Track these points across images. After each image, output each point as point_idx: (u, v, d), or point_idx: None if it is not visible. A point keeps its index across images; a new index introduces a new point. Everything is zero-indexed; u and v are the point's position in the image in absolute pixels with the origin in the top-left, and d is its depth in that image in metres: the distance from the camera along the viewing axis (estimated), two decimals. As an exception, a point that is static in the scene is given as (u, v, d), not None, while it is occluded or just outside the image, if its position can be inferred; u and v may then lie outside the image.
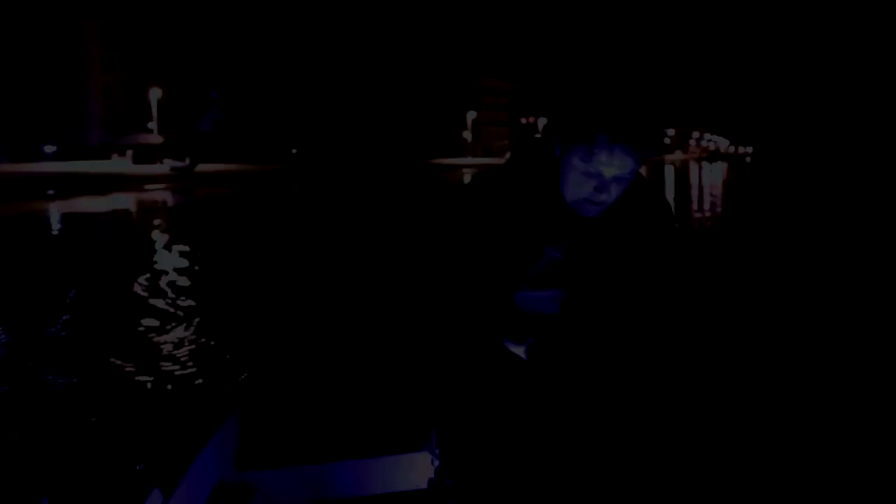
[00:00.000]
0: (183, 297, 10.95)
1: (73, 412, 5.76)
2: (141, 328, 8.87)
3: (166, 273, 13.65)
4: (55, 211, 31.40)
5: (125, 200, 37.96)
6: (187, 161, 58.90)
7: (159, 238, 20.74)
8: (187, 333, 8.38)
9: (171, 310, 10.02)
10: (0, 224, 27.01)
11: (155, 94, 60.90)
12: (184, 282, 12.63)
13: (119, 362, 7.16)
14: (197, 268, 14.49)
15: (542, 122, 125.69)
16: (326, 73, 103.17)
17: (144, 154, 62.98)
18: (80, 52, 75.51)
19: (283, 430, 2.25)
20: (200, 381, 6.14)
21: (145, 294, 11.35)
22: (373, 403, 2.09)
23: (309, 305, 10.12)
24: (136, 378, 6.55)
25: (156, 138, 63.46)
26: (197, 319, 9.22)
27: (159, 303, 10.59)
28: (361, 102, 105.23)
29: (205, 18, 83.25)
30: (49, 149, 67.06)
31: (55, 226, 26.36)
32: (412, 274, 1.72)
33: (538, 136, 1.69)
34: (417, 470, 1.95)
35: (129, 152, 62.21)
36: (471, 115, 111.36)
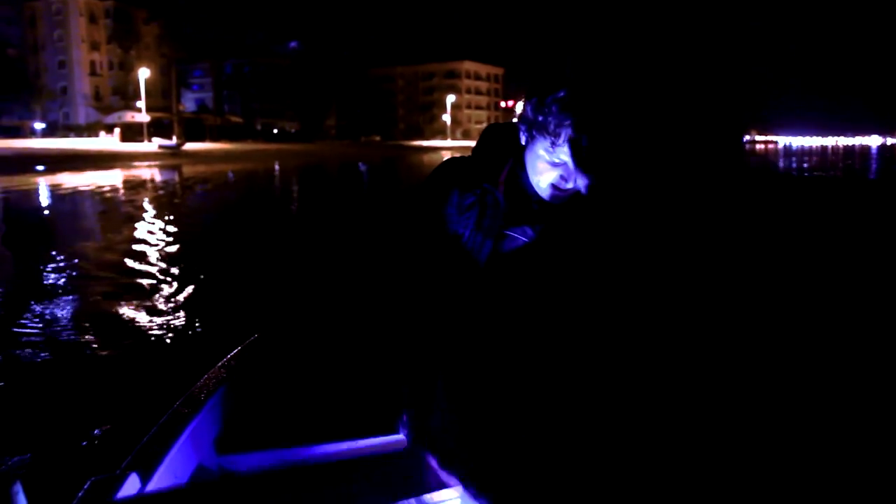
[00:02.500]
0: (166, 273, 11.06)
1: (47, 390, 5.75)
2: (123, 303, 8.91)
3: (152, 245, 13.82)
4: (44, 185, 33.09)
5: (114, 176, 39.65)
6: (175, 139, 60.87)
7: (147, 212, 21.30)
8: (170, 311, 8.46)
9: (154, 285, 10.10)
10: None
11: (143, 73, 62.59)
12: (169, 256, 12.79)
13: (98, 338, 7.12)
14: (183, 242, 14.71)
15: (520, 105, 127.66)
16: (309, 52, 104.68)
17: (132, 132, 64.84)
18: (65, 28, 76.92)
19: (265, 413, 2.29)
20: (181, 361, 6.24)
21: (129, 267, 11.46)
22: (351, 386, 2.20)
23: (290, 285, 10.14)
24: (115, 357, 6.52)
25: (143, 116, 65.20)
26: (179, 297, 9.30)
27: (142, 278, 10.67)
28: (344, 82, 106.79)
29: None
30: (38, 126, 68.58)
31: (45, 199, 27.96)
32: (381, 256, 1.75)
33: (513, 121, 1.67)
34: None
35: (117, 130, 63.96)
36: (450, 99, 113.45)
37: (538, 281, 1.59)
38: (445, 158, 1.78)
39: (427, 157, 69.31)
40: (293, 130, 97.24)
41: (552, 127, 1.50)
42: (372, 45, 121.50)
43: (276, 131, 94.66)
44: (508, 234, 1.63)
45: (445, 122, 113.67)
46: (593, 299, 1.59)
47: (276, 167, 50.08)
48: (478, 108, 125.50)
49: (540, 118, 1.53)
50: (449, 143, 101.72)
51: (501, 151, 1.69)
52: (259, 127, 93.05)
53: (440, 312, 1.66)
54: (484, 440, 1.55)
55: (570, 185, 1.55)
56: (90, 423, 4.89)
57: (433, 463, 1.69)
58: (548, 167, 1.55)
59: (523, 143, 1.62)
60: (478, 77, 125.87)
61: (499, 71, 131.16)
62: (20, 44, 76.23)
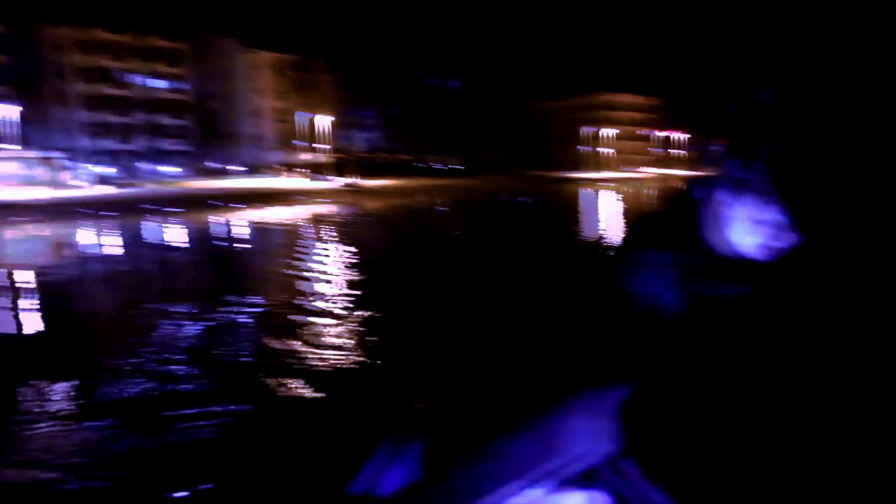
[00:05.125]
0: (354, 305, 11.62)
1: (234, 426, 6.05)
2: (310, 335, 9.52)
3: (337, 277, 14.94)
4: (241, 219, 38.01)
5: (304, 210, 44.46)
6: (352, 177, 66.66)
7: (334, 243, 23.87)
8: (354, 344, 8.88)
9: (341, 316, 10.69)
10: (194, 229, 33.90)
11: (323, 118, 69.02)
12: (356, 288, 13.48)
13: (281, 376, 7.51)
14: (368, 273, 15.67)
15: (676, 136, 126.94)
16: (469, 90, 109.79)
17: (313, 171, 71.58)
18: (256, 81, 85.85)
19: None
20: (364, 395, 6.60)
21: (320, 299, 12.33)
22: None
23: (479, 317, 10.35)
24: (300, 393, 6.89)
25: (323, 157, 71.66)
26: (366, 330, 9.73)
27: (329, 308, 11.38)
28: (503, 118, 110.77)
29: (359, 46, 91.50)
30: (233, 168, 77.06)
31: (242, 231, 32.30)
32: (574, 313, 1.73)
33: (712, 175, 1.55)
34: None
35: (302, 170, 70.76)
36: (607, 131, 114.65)
37: (751, 341, 1.48)
38: (642, 215, 1.71)
39: (585, 189, 71.10)
40: (456, 166, 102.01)
41: (760, 185, 1.39)
42: (530, 80, 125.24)
43: (440, 167, 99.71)
44: (712, 294, 1.53)
45: (603, 154, 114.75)
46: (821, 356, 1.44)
47: (443, 201, 53.74)
48: (635, 138, 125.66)
49: (745, 176, 1.41)
50: (607, 174, 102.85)
51: (701, 206, 1.58)
52: (425, 163, 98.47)
53: (637, 375, 1.60)
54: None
55: (779, 244, 1.44)
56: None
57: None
58: (755, 226, 1.44)
59: (726, 199, 1.48)
60: (635, 108, 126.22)
61: (656, 101, 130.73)
62: (219, 96, 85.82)
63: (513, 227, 30.29)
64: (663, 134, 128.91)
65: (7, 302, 15.06)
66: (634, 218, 1.68)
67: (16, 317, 13.47)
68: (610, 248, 2.00)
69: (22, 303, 15.07)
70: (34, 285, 17.64)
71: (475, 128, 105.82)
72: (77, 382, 7.91)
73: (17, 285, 17.79)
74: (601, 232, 27.58)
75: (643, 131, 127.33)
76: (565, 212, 41.11)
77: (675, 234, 1.60)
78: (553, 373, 1.77)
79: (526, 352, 1.90)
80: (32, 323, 13.03)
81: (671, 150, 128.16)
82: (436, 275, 15.13)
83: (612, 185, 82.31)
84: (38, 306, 14.52)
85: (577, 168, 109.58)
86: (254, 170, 76.88)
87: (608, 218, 36.79)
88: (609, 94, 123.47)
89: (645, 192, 67.45)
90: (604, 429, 1.55)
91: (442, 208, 47.05)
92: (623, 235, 1.68)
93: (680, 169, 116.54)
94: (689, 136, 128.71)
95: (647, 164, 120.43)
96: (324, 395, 7.11)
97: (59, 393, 7.52)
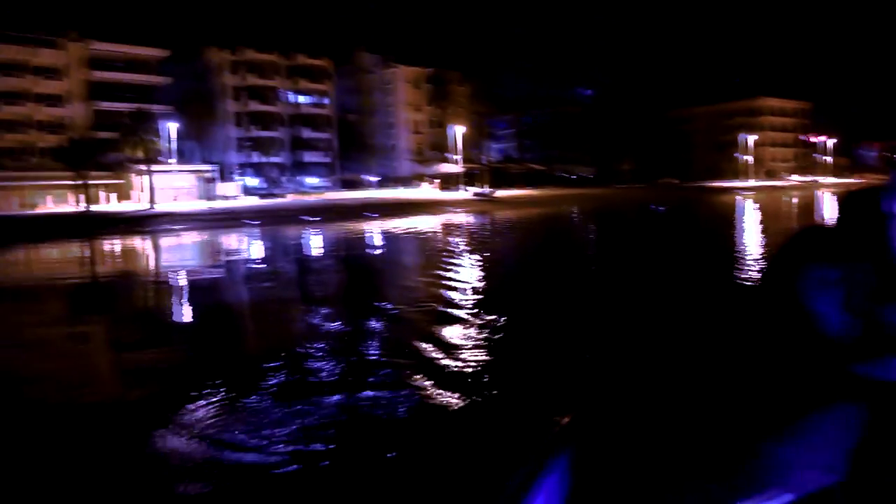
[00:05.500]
0: (493, 311, 11.67)
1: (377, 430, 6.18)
2: (450, 337, 9.75)
3: (474, 283, 15.34)
4: (379, 228, 39.59)
5: (438, 220, 45.60)
6: (487, 187, 67.42)
7: (468, 251, 24.32)
8: (497, 349, 8.91)
9: (481, 321, 10.88)
10: (336, 237, 35.38)
11: (459, 129, 70.13)
12: (494, 294, 13.69)
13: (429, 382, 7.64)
14: (505, 280, 16.24)
15: (825, 141, 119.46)
16: (604, 99, 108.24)
17: (445, 181, 72.90)
18: (393, 95, 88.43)
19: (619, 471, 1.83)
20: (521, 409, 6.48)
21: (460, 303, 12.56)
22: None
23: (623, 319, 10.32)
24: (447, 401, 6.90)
25: (458, 168, 72.78)
26: (506, 335, 9.81)
27: (468, 312, 11.63)
28: (639, 126, 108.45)
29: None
30: (370, 179, 79.71)
31: (379, 240, 33.38)
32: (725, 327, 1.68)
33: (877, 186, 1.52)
34: None
35: (436, 181, 72.18)
36: (751, 138, 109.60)
37: None
38: (802, 227, 1.64)
39: (732, 198, 68.48)
40: (589, 175, 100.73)
41: None
42: (668, 88, 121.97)
43: (573, 177, 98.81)
44: (882, 311, 1.47)
45: (746, 162, 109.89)
46: None
47: (575, 211, 53.47)
48: (782, 145, 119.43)
49: None
50: (751, 182, 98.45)
51: (868, 221, 1.53)
52: (557, 173, 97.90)
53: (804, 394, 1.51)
54: None
55: None
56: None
57: None
58: None
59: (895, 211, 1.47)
60: (781, 113, 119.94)
61: (805, 105, 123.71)
62: (358, 110, 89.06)
63: (660, 239, 29.75)
64: (817, 139, 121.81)
65: (185, 299, 17.13)
66: (798, 230, 1.63)
67: (189, 312, 15.33)
68: (767, 261, 1.72)
69: (196, 300, 17.22)
70: (207, 285, 19.85)
71: (609, 137, 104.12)
72: (243, 369, 9.00)
73: (192, 286, 20.01)
74: (757, 245, 26.66)
75: (802, 137, 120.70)
76: (718, 224, 39.73)
77: (852, 249, 1.52)
78: (725, 391, 1.68)
79: (681, 367, 1.84)
80: (205, 317, 14.81)
81: (821, 157, 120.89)
82: (579, 284, 15.23)
83: (761, 194, 78.70)
84: (207, 304, 16.40)
85: (717, 176, 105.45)
86: (390, 181, 79.20)
87: (764, 229, 35.30)
88: (754, 99, 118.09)
89: (796, 201, 64.25)
90: (831, 458, 1.42)
91: (576, 218, 46.76)
92: (785, 249, 1.62)
93: (829, 176, 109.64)
94: (836, 141, 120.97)
95: (794, 172, 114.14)
96: (469, 399, 7.44)
97: (228, 379, 8.53)
